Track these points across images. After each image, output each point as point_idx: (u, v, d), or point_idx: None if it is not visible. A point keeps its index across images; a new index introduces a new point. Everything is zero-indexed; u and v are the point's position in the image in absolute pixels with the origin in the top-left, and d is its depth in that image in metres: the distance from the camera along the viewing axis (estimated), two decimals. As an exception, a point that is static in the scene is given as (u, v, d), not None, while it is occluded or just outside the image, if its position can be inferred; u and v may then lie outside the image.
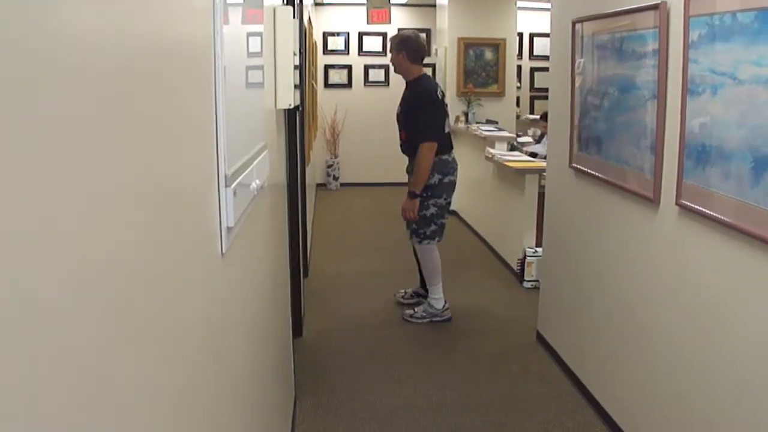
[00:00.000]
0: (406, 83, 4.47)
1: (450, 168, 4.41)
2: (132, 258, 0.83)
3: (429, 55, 9.46)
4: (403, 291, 4.96)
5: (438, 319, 4.56)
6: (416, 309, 4.63)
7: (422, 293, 4.78)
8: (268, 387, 2.28)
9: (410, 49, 4.35)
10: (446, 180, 4.39)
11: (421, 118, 4.28)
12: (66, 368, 0.63)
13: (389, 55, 4.52)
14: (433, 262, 4.51)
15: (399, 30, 9.49)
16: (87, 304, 0.69)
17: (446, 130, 4.41)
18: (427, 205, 4.37)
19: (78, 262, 0.67)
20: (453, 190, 4.50)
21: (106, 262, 0.74)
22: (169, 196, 1.02)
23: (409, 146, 4.41)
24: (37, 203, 0.58)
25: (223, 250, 1.41)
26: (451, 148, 4.47)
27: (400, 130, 4.49)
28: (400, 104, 4.51)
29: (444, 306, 4.58)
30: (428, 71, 9.42)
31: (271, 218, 2.51)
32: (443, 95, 4.51)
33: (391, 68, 4.66)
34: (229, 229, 1.43)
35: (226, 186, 1.39)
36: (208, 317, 1.29)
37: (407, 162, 4.55)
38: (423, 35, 9.44)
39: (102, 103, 0.74)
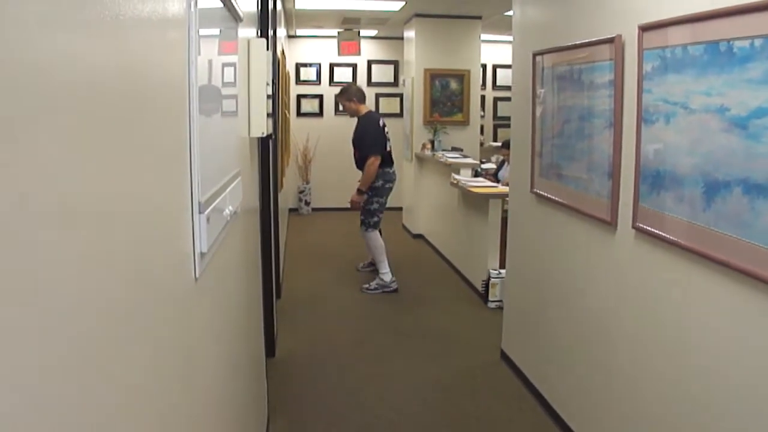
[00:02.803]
0: (357, 118, 6.02)
1: (390, 177, 5.92)
2: (107, 283, 0.84)
3: (397, 85, 9.68)
4: (362, 263, 6.56)
5: (388, 289, 5.87)
6: (370, 283, 5.95)
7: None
8: (241, 408, 2.26)
9: (357, 95, 6.00)
10: (386, 186, 5.91)
11: (367, 138, 5.83)
12: (33, 399, 0.61)
13: (342, 105, 6.08)
14: (378, 245, 5.89)
15: (368, 61, 9.79)
16: (61, 327, 0.68)
17: (387, 149, 5.88)
18: (372, 202, 5.88)
19: (50, 284, 0.66)
20: (389, 193, 6.00)
21: (81, 286, 0.74)
22: (143, 222, 1.02)
23: (360, 161, 5.92)
24: (9, 225, 0.57)
25: (197, 275, 1.41)
26: (392, 163, 5.99)
27: (354, 150, 6.02)
28: (354, 131, 6.06)
29: (392, 279, 5.89)
30: (396, 100, 9.66)
31: (244, 242, 2.51)
32: (385, 125, 5.98)
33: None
34: (202, 254, 1.43)
35: (200, 212, 1.39)
36: (181, 340, 1.29)
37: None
38: (391, 66, 9.75)
39: (78, 131, 0.75)
